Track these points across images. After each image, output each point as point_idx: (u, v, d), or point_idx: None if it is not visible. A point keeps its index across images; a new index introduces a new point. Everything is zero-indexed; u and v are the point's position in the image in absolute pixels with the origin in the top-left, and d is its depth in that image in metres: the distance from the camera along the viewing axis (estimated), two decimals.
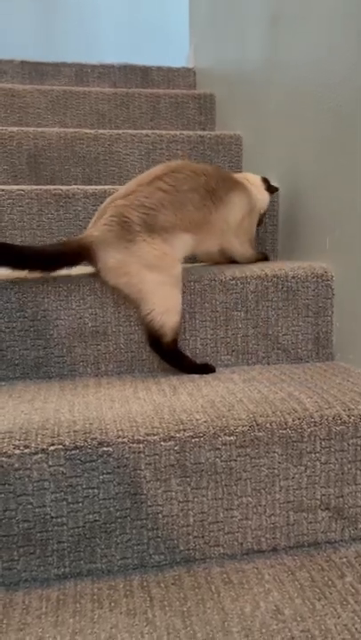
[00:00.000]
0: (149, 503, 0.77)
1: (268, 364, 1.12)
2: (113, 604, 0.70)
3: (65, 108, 1.85)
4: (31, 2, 2.93)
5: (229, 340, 1.11)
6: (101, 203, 1.36)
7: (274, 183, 1.37)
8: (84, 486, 0.76)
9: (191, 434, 0.78)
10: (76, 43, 2.76)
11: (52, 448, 0.74)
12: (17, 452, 0.73)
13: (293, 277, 1.12)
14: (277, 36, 1.41)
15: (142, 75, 2.12)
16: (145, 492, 0.77)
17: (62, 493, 0.75)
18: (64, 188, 1.34)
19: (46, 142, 1.59)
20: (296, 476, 0.82)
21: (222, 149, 1.69)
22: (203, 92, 2.01)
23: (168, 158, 1.66)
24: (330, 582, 0.74)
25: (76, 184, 1.60)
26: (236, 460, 0.79)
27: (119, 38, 2.86)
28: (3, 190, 1.30)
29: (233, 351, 1.11)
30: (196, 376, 1.04)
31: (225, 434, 0.79)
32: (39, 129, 1.59)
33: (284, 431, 0.81)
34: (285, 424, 0.81)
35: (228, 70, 1.87)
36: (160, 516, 0.78)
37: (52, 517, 0.75)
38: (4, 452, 0.73)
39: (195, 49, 2.27)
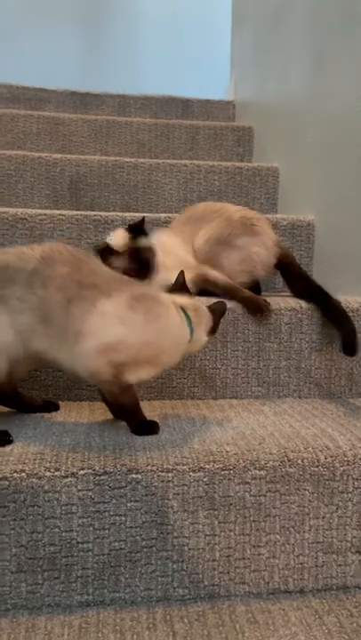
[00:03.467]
0: (176, 534, 0.77)
1: (300, 397, 1.11)
2: (135, 637, 0.69)
3: (107, 137, 1.91)
4: (78, 33, 3.06)
5: (261, 372, 1.10)
6: None
7: (310, 215, 1.38)
8: (112, 513, 0.75)
9: (221, 466, 0.77)
10: (119, 74, 2.86)
11: (81, 472, 0.75)
12: (47, 474, 0.74)
13: None
14: (319, 72, 1.43)
15: (183, 106, 2.18)
16: (172, 522, 0.76)
17: (89, 519, 0.75)
18: (103, 214, 1.37)
19: (88, 169, 1.64)
20: (327, 515, 0.80)
21: (259, 181, 1.71)
22: (241, 124, 2.04)
23: (205, 188, 1.69)
24: (359, 629, 0.71)
25: (114, 211, 1.64)
26: (265, 496, 0.78)
27: (161, 70, 2.96)
28: (44, 214, 1.34)
29: (264, 382, 1.10)
30: (226, 406, 1.04)
31: (255, 468, 0.78)
32: (82, 156, 1.64)
33: (315, 468, 0.79)
34: (317, 461, 0.79)
35: (267, 103, 1.90)
36: (186, 548, 0.77)
37: (78, 543, 0.75)
38: (35, 474, 0.74)
39: (235, 82, 2.32)
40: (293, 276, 1.20)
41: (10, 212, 1.31)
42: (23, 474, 0.73)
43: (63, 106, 2.08)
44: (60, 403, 1.04)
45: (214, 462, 0.77)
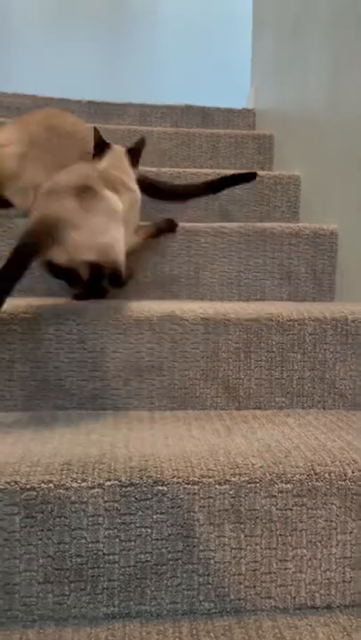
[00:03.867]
0: (201, 547, 0.76)
1: (324, 408, 1.10)
2: None
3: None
4: (99, 43, 3.10)
5: (284, 382, 1.10)
6: (161, 239, 1.40)
7: (333, 224, 1.37)
8: (138, 525, 0.75)
9: (247, 479, 0.77)
10: (140, 83, 2.89)
11: (108, 483, 0.75)
12: (74, 485, 0.74)
13: (353, 321, 1.10)
14: (340, 79, 1.43)
15: (203, 115, 2.19)
16: (197, 535, 0.76)
17: (115, 530, 0.75)
18: None
19: None
20: (354, 530, 0.79)
21: (280, 189, 1.71)
22: (262, 132, 2.04)
23: (227, 196, 1.69)
24: None
25: None
26: (292, 510, 0.77)
27: (181, 78, 2.98)
28: None
29: (288, 393, 1.10)
30: (250, 417, 1.03)
31: (282, 481, 0.77)
32: None
33: (343, 482, 0.78)
34: (345, 475, 0.78)
35: (288, 111, 1.90)
36: (212, 561, 0.76)
37: (105, 554, 0.75)
38: (62, 485, 0.74)
39: (255, 90, 2.33)
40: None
41: None
42: (51, 484, 0.74)
43: (85, 116, 2.11)
44: (84, 412, 1.05)
45: (240, 475, 0.77)
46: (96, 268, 1.05)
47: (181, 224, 1.43)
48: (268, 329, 1.09)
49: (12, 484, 0.73)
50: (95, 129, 1.29)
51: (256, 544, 0.77)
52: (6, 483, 0.74)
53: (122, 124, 2.13)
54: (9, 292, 0.91)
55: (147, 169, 1.67)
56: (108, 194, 1.05)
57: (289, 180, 1.71)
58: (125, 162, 1.28)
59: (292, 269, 1.42)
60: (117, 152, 1.28)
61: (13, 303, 1.08)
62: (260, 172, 1.72)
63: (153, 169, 1.68)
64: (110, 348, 1.07)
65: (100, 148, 1.26)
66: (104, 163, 1.24)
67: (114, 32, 3.12)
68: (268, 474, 0.77)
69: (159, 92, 2.47)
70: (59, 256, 0.97)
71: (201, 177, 1.67)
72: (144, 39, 3.13)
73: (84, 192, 0.99)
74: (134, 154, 1.30)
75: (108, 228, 1.00)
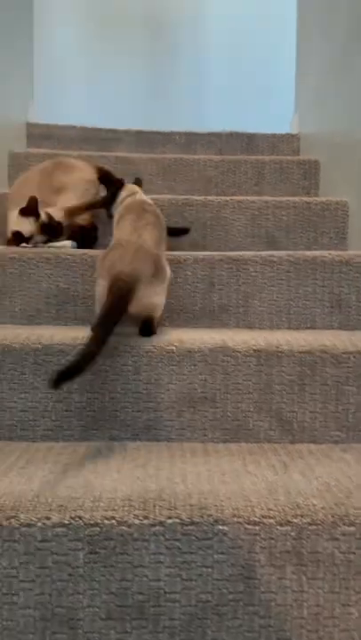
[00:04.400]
0: (263, 589, 0.76)
1: None
2: None
3: (175, 174, 1.97)
4: (143, 73, 3.19)
5: (340, 416, 1.08)
6: (210, 268, 1.42)
7: None
8: (199, 564, 0.76)
9: (309, 520, 0.76)
10: (184, 110, 2.95)
11: (169, 521, 0.76)
12: (136, 521, 0.75)
13: None
14: None
15: (247, 141, 2.21)
16: (259, 576, 0.76)
17: (177, 569, 0.75)
18: (175, 253, 1.41)
19: (158, 208, 1.68)
20: None
21: (328, 215, 1.70)
22: (307, 157, 2.05)
23: (273, 223, 1.70)
24: None
25: (182, 247, 1.67)
26: (355, 553, 0.76)
27: (225, 105, 3.02)
28: None
29: (343, 427, 1.08)
30: (306, 452, 1.02)
31: (344, 524, 0.76)
32: (153, 196, 1.69)
33: None
34: None
35: (333, 136, 1.90)
36: (273, 604, 0.76)
37: (166, 592, 0.75)
38: (125, 522, 0.75)
39: (299, 115, 2.34)
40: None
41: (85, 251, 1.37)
42: (113, 521, 0.75)
43: (132, 145, 2.17)
44: (139, 443, 1.06)
45: (302, 517, 0.76)
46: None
47: (228, 253, 1.44)
48: (322, 361, 1.09)
49: (77, 519, 0.75)
50: (103, 169, 1.57)
51: (319, 587, 0.76)
52: (71, 518, 0.75)
53: (167, 152, 2.17)
54: (106, 341, 0.99)
55: (195, 198, 1.70)
56: (166, 263, 1.19)
57: (337, 206, 1.71)
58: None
59: (342, 297, 1.40)
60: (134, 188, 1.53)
61: (71, 334, 1.11)
62: (307, 199, 1.72)
63: (200, 197, 1.70)
64: (164, 380, 1.08)
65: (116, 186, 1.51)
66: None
67: (158, 61, 3.20)
68: (330, 516, 0.76)
69: (204, 119, 2.51)
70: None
71: (247, 205, 1.69)
72: (187, 66, 3.20)
73: (158, 261, 1.13)
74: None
75: (160, 291, 1.14)
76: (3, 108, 2.03)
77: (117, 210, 1.42)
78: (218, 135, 2.22)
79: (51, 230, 1.50)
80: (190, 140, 2.21)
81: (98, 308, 1.08)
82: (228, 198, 1.70)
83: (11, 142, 2.08)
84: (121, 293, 1.04)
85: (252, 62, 3.10)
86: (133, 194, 1.46)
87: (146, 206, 1.30)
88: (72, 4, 3.14)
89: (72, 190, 1.57)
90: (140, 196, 1.46)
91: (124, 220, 1.27)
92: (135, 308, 1.07)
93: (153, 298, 1.11)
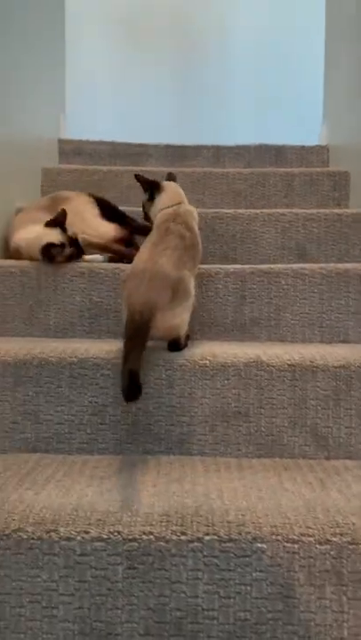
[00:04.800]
0: (302, 608, 0.75)
1: None
2: None
3: (204, 188, 1.98)
4: (171, 87, 3.22)
5: None
6: (241, 281, 1.42)
7: None
8: (237, 581, 0.75)
9: (349, 539, 0.75)
10: (212, 124, 2.98)
11: (207, 538, 0.76)
12: (174, 537, 0.76)
13: None
14: None
15: (276, 153, 2.22)
16: (298, 595, 0.75)
17: (215, 586, 0.75)
18: (206, 266, 1.42)
19: None
20: None
21: (359, 227, 1.69)
22: (337, 169, 2.04)
23: (304, 236, 1.69)
24: None
25: (213, 260, 1.68)
26: None
27: (253, 117, 3.04)
28: None
29: None
30: (342, 468, 1.01)
31: None
32: None
33: None
34: None
35: None
36: (312, 624, 0.75)
37: (204, 609, 0.75)
38: (163, 537, 0.76)
39: (328, 126, 2.33)
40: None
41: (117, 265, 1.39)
42: (151, 536, 0.76)
43: (161, 159, 2.20)
44: (173, 457, 1.07)
45: (341, 535, 0.75)
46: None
47: (259, 266, 1.44)
48: (358, 376, 1.07)
49: (115, 534, 0.76)
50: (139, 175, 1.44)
51: (359, 608, 0.75)
52: (109, 532, 0.76)
53: (196, 165, 2.19)
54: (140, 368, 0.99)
55: (225, 211, 1.71)
56: (191, 280, 1.17)
57: None
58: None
59: None
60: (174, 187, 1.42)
61: (105, 347, 1.13)
62: (337, 210, 1.71)
63: (230, 210, 1.71)
64: (198, 394, 1.09)
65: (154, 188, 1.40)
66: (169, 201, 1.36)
67: (185, 75, 3.24)
68: None
69: (232, 132, 2.53)
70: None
71: (277, 217, 1.69)
72: (215, 79, 3.23)
73: (178, 283, 1.11)
74: None
75: (181, 312, 1.13)
76: (36, 125, 2.08)
77: (156, 218, 1.34)
78: (246, 148, 2.23)
79: (77, 244, 1.50)
80: (219, 153, 2.23)
81: (122, 316, 1.11)
82: (258, 211, 1.70)
83: (43, 158, 2.13)
84: (138, 326, 1.04)
85: (280, 74, 3.10)
86: (178, 204, 1.35)
87: (172, 226, 1.23)
88: (99, 18, 3.19)
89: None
90: (184, 207, 1.34)
91: (146, 241, 1.23)
92: (156, 334, 1.08)
93: (173, 321, 1.10)
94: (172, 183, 1.43)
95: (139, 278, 1.11)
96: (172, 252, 1.15)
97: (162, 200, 1.36)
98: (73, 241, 1.49)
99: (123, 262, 1.48)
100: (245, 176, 1.99)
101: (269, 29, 3.15)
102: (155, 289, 1.08)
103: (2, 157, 1.67)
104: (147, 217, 1.42)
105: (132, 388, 0.95)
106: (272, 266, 1.43)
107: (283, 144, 2.23)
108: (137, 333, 1.03)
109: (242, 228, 1.69)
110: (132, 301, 1.07)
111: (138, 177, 1.42)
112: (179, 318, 1.12)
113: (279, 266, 1.43)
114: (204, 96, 3.18)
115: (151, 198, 1.39)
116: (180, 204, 1.35)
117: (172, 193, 1.39)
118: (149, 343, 1.05)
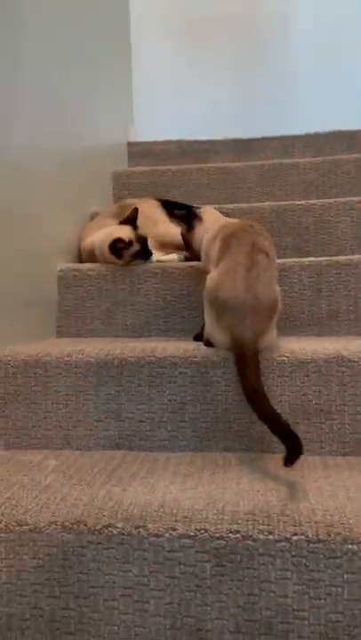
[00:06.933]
0: None
1: None
2: None
3: (273, 180, 1.94)
4: (233, 80, 3.18)
5: None
6: (316, 275, 1.38)
7: None
8: (327, 583, 0.74)
9: None
10: (278, 114, 2.90)
11: (295, 538, 0.75)
12: (261, 537, 0.75)
13: None
14: None
15: (348, 139, 2.13)
16: None
17: (304, 586, 0.74)
18: (280, 260, 1.39)
19: (259, 215, 1.68)
20: None
21: None
22: None
23: None
24: None
25: (285, 253, 1.65)
26: None
27: (320, 104, 2.93)
28: None
29: None
30: None
31: None
32: (254, 204, 1.69)
33: None
34: None
35: None
36: None
37: (294, 610, 0.74)
38: (250, 536, 0.75)
39: None
40: None
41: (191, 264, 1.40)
42: (238, 535, 0.76)
43: (228, 154, 2.18)
44: (253, 454, 1.06)
45: None
46: None
47: (336, 258, 1.40)
48: None
49: (202, 531, 0.77)
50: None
51: None
52: (196, 530, 0.77)
53: (264, 158, 2.16)
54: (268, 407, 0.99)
55: (296, 203, 1.67)
56: (276, 284, 1.16)
57: None
58: None
59: None
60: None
61: (182, 346, 1.14)
62: None
63: (301, 202, 1.67)
64: (277, 391, 1.07)
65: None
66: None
67: (248, 63, 3.18)
68: None
69: (299, 121, 2.45)
70: None
71: (352, 206, 1.63)
72: (278, 67, 3.15)
73: (273, 301, 1.11)
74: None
75: (275, 322, 1.13)
76: (107, 132, 2.14)
77: (211, 229, 1.28)
78: (316, 136, 2.16)
79: (145, 243, 1.50)
80: (287, 143, 2.18)
81: (214, 337, 1.12)
82: (331, 200, 1.65)
83: (114, 162, 2.18)
84: (249, 362, 1.04)
85: (346, 56, 2.97)
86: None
87: (260, 241, 1.14)
88: (159, 16, 3.19)
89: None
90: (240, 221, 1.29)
91: (231, 260, 1.13)
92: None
93: (272, 338, 1.12)
94: (207, 207, 1.43)
95: (241, 311, 1.08)
96: (264, 273, 1.11)
97: (206, 225, 1.33)
98: (142, 239, 1.49)
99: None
100: (316, 165, 1.93)
101: (333, 16, 3.03)
102: (259, 322, 1.08)
103: (77, 166, 1.73)
104: (188, 247, 1.39)
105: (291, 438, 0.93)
106: (350, 257, 1.39)
107: (355, 129, 2.14)
108: (249, 362, 1.04)
109: (315, 219, 1.65)
110: (237, 336, 1.07)
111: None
112: (275, 331, 1.14)
113: (357, 256, 1.38)
114: (268, 86, 3.10)
115: (190, 228, 1.36)
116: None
117: (213, 214, 1.37)
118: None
